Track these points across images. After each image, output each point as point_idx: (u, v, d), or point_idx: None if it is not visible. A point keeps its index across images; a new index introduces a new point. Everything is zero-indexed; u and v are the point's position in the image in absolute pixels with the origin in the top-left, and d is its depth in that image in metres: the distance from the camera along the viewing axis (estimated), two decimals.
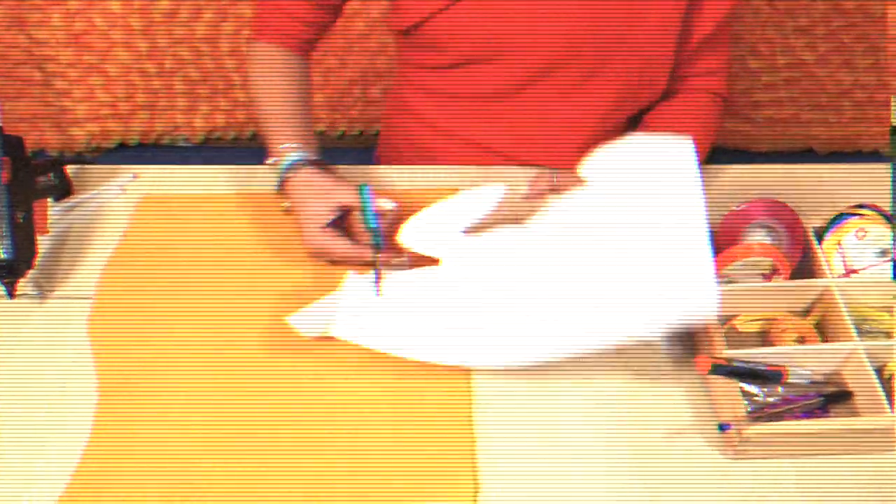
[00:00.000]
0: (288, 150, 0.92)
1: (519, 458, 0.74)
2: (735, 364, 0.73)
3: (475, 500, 0.70)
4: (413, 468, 0.73)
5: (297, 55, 1.02)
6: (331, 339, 0.81)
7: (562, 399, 0.78)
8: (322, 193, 0.88)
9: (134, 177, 1.02)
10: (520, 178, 1.03)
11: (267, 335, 0.83)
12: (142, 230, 0.96)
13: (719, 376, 0.74)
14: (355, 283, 0.83)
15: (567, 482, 0.72)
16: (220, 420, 0.77)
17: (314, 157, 0.92)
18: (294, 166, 0.90)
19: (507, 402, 0.78)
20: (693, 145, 0.80)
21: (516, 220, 0.87)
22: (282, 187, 0.91)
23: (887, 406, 0.71)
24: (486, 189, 0.88)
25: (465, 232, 0.86)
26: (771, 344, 0.81)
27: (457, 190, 0.99)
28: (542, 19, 0.92)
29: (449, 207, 0.88)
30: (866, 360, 0.75)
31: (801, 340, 0.81)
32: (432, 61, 1.00)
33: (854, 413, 0.76)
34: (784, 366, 0.75)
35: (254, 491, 0.72)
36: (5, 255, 0.83)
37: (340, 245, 0.87)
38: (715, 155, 0.98)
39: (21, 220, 0.84)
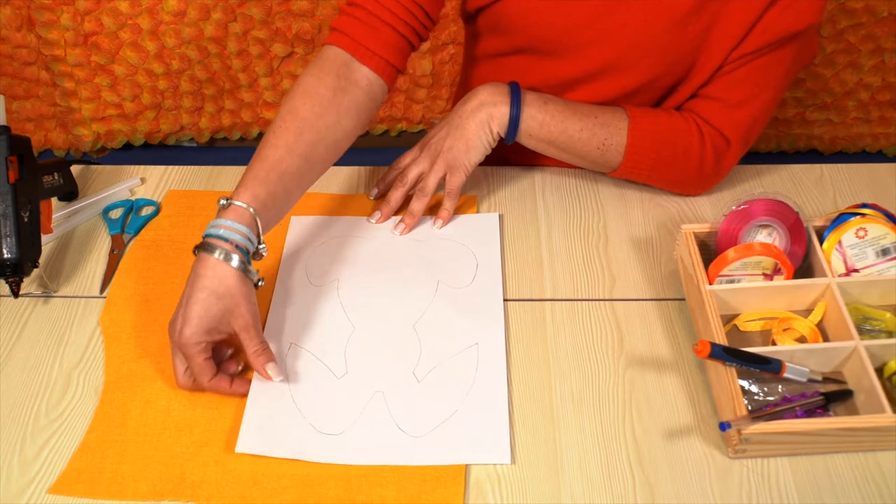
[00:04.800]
0: (228, 213, 0.77)
1: (517, 455, 0.74)
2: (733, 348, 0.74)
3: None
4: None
5: (371, 76, 0.89)
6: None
7: (560, 398, 0.79)
8: (228, 301, 0.75)
9: (140, 181, 1.03)
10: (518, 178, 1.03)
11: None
12: (162, 225, 0.97)
13: (717, 360, 0.74)
14: (257, 397, 0.78)
15: (566, 482, 0.72)
16: (218, 415, 0.77)
17: (249, 245, 0.77)
18: (220, 244, 0.75)
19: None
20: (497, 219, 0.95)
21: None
22: (199, 248, 0.76)
23: (887, 405, 0.71)
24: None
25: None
26: (772, 343, 0.81)
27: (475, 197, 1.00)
28: (611, 18, 0.90)
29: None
30: (867, 359, 0.75)
31: (802, 339, 0.82)
32: (498, 46, 1.00)
33: (854, 412, 0.76)
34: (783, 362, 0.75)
35: (248, 491, 0.72)
36: (10, 255, 0.83)
37: (203, 366, 0.75)
38: None
39: (27, 220, 0.85)
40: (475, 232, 0.95)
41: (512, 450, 0.74)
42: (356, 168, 1.04)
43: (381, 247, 0.93)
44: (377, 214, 0.96)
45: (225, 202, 0.78)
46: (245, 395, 0.77)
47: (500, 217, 0.97)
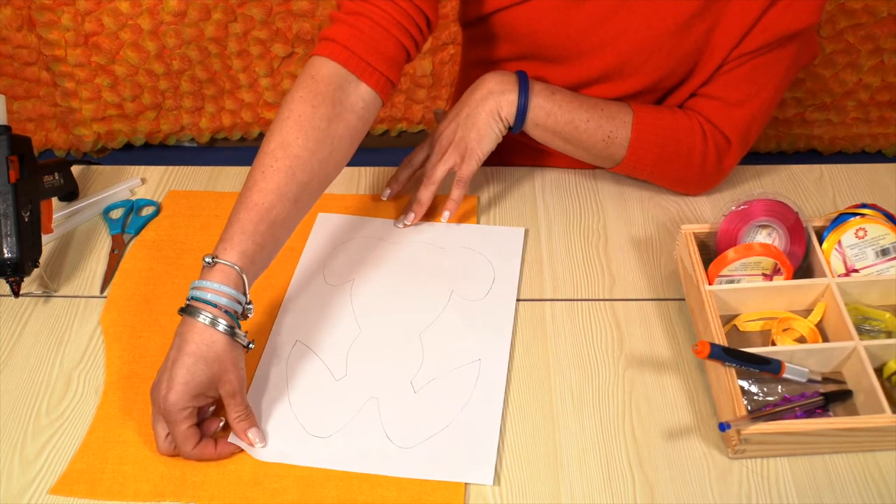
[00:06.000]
0: (214, 273, 0.72)
1: (517, 456, 0.74)
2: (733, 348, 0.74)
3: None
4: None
5: (363, 90, 0.84)
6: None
7: (560, 398, 0.79)
8: (216, 367, 0.71)
9: (141, 182, 1.03)
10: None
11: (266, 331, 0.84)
12: (162, 225, 0.98)
13: (717, 361, 0.74)
14: (253, 394, 0.79)
15: (566, 482, 0.72)
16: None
17: (237, 307, 0.73)
18: (207, 308, 0.71)
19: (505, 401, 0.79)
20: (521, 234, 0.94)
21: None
22: (184, 311, 0.72)
23: (887, 405, 0.71)
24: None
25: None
26: (772, 343, 0.81)
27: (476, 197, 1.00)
28: (614, 23, 0.90)
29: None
30: (866, 359, 0.75)
31: (802, 340, 0.82)
32: (500, 53, 1.00)
33: (854, 412, 0.76)
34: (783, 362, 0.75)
35: (250, 491, 0.72)
36: (11, 254, 0.83)
37: (186, 434, 0.71)
38: None
39: (27, 220, 0.85)
40: (498, 245, 0.94)
41: (510, 452, 0.74)
42: (356, 168, 1.05)
43: (400, 251, 0.93)
44: (410, 216, 0.95)
45: (210, 260, 0.73)
46: (231, 455, 0.74)
47: (526, 232, 0.97)
